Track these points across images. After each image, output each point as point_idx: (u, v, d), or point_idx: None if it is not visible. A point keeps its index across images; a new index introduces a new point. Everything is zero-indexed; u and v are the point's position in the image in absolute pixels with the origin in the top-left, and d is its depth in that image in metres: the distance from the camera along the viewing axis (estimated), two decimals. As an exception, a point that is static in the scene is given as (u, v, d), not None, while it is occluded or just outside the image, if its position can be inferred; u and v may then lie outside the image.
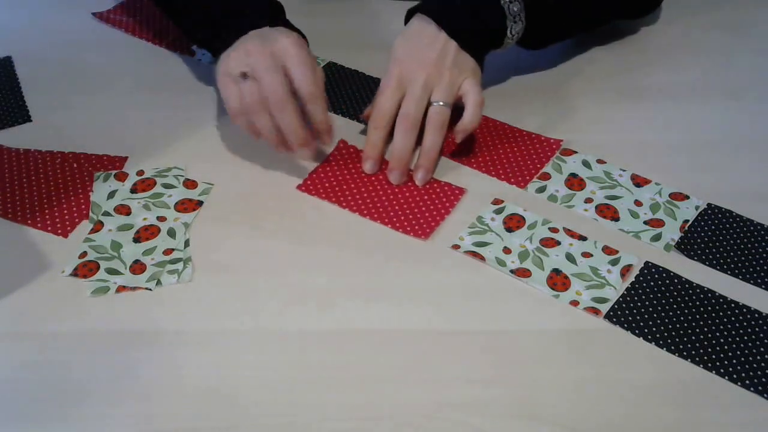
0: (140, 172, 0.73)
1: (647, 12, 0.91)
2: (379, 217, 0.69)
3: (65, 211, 0.69)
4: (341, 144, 0.75)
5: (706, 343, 0.59)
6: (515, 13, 0.74)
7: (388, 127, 0.72)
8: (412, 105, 0.71)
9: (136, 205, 0.69)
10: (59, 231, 0.68)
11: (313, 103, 0.69)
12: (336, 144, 0.75)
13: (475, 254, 0.65)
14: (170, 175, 0.72)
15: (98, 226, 0.68)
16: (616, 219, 0.68)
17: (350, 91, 0.82)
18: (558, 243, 0.66)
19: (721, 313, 0.61)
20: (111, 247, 0.66)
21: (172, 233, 0.67)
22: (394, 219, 0.68)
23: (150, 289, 0.63)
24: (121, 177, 0.72)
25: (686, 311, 0.61)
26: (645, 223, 0.68)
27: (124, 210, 0.69)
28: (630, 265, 0.64)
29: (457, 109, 0.73)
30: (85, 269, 0.64)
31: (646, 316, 0.61)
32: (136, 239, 0.67)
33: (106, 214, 0.68)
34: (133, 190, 0.71)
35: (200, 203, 0.70)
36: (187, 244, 0.66)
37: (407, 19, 0.76)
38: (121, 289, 0.63)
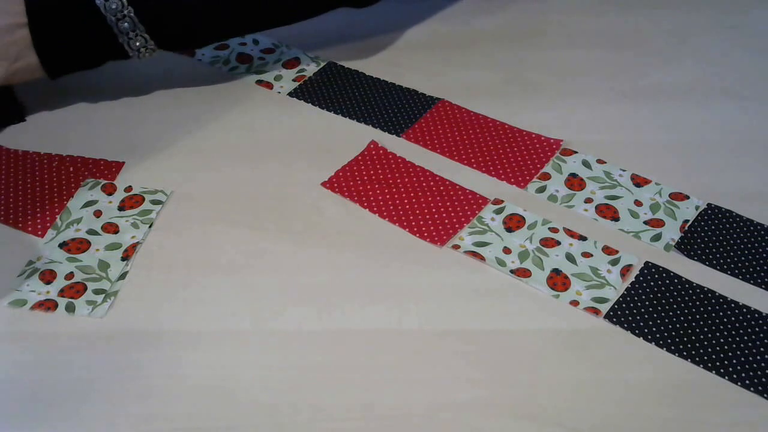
0: (128, 189, 0.71)
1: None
2: (398, 220, 0.68)
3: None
4: (372, 145, 0.75)
5: (706, 343, 0.59)
6: (126, 30, 0.72)
7: None
8: None
9: (124, 223, 0.68)
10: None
11: None
12: (367, 144, 0.75)
13: (475, 254, 0.65)
14: (156, 196, 0.70)
15: (85, 245, 0.66)
16: (616, 219, 0.68)
17: (350, 91, 0.82)
18: (558, 243, 0.66)
19: (721, 313, 0.61)
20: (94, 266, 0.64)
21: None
22: (413, 223, 0.68)
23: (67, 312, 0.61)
24: (109, 189, 0.70)
25: (686, 311, 0.61)
26: (645, 223, 0.68)
27: (111, 228, 0.67)
28: (630, 265, 0.64)
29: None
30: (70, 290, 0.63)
31: (646, 316, 0.61)
32: (125, 258, 0.65)
33: (93, 232, 0.67)
34: (121, 208, 0.69)
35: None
36: (122, 277, 0.64)
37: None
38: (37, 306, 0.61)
